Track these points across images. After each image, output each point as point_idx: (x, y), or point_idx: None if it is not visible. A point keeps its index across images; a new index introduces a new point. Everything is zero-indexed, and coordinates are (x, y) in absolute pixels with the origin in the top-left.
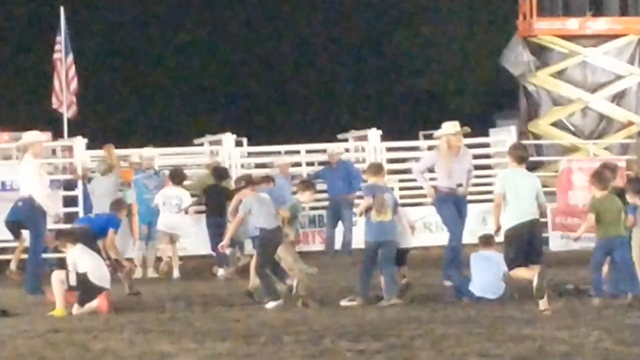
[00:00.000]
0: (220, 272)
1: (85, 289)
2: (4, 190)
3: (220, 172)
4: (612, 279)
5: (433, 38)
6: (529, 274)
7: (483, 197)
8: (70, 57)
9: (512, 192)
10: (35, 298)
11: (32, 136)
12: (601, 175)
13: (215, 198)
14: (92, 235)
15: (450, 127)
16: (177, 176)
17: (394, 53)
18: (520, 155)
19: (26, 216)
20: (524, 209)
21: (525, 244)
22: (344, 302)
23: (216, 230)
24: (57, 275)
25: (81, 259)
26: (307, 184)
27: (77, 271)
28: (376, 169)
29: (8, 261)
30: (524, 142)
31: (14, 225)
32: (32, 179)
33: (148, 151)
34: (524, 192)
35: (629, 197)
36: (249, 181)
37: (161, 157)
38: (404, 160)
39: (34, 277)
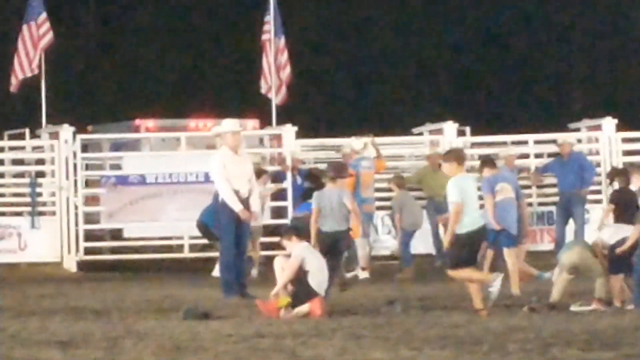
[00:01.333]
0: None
1: (300, 289)
2: (207, 182)
3: None
4: None
5: None
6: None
7: None
8: (282, 41)
9: (466, 199)
10: (231, 300)
11: (225, 126)
12: None
13: None
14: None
15: None
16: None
17: (632, 33)
18: (463, 157)
19: (214, 213)
20: (475, 215)
21: (475, 248)
22: (574, 307)
23: None
24: (279, 262)
25: (308, 257)
26: None
27: (302, 267)
28: None
29: (213, 260)
30: None
31: (202, 227)
32: (215, 173)
33: (362, 141)
34: (473, 197)
35: None
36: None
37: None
38: None
39: (224, 280)
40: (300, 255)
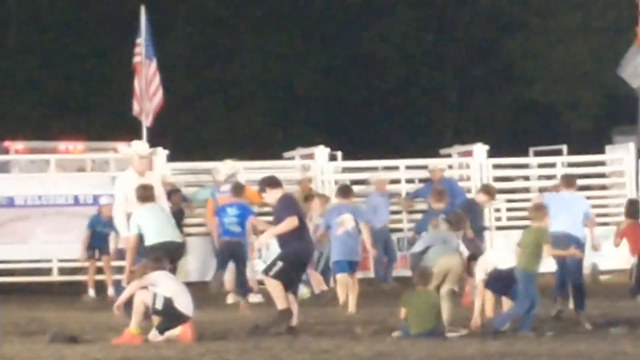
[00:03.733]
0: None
1: (169, 316)
2: (76, 205)
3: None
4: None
5: (546, 46)
6: None
7: (598, 220)
8: (154, 65)
9: None
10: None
11: (134, 148)
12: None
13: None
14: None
15: None
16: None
17: (502, 62)
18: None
19: None
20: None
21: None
22: (450, 333)
23: None
24: (140, 296)
25: (163, 283)
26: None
27: (164, 295)
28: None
29: (82, 283)
30: None
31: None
32: (115, 195)
33: (230, 164)
34: None
35: None
36: None
37: (247, 171)
38: (512, 178)
39: None
40: (152, 282)
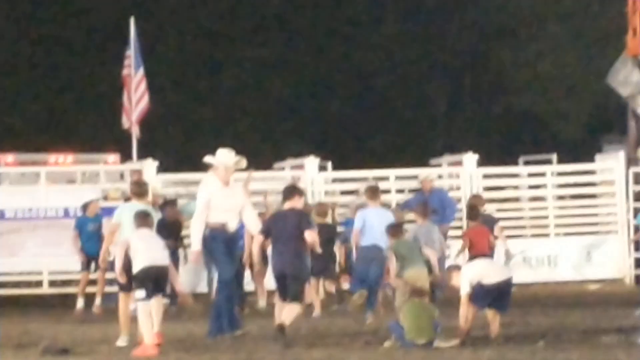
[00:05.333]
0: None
1: (141, 281)
2: (67, 217)
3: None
4: None
5: (536, 55)
6: None
7: (588, 229)
8: (141, 72)
9: None
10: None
11: (219, 157)
12: None
13: None
14: None
15: None
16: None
17: (493, 72)
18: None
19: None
20: None
21: None
22: (438, 343)
23: None
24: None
25: (134, 247)
26: None
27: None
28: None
29: (73, 295)
30: (635, 169)
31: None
32: (197, 202)
33: None
34: None
35: None
36: None
37: (237, 182)
38: (502, 188)
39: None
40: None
